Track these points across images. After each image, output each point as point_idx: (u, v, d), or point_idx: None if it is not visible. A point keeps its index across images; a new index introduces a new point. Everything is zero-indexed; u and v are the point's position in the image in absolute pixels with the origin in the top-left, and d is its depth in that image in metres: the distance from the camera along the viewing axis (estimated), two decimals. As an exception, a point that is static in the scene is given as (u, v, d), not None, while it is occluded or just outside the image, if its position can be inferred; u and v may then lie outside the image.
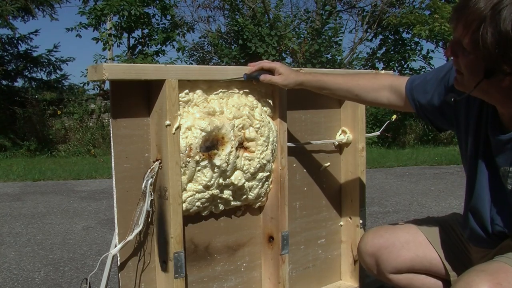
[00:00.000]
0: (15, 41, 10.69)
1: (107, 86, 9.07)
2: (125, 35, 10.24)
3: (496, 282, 1.12)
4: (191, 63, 12.46)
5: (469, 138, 1.39)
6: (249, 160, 1.61)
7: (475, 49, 1.15)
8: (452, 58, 1.26)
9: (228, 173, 1.56)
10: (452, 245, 1.58)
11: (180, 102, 1.44)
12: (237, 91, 1.60)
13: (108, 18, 9.97)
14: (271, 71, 1.60)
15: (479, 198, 1.37)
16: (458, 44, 1.20)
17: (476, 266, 1.23)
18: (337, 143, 1.99)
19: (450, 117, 1.45)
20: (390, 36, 11.94)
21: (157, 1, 10.14)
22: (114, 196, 1.38)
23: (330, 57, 11.07)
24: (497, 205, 1.34)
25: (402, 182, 5.52)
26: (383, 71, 1.99)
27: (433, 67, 12.00)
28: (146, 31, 10.37)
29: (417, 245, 1.59)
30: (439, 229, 1.61)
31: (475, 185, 1.38)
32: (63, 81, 11.56)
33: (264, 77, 1.59)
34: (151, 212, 1.43)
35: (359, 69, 11.11)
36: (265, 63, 1.61)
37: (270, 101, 1.68)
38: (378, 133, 2.34)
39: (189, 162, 1.46)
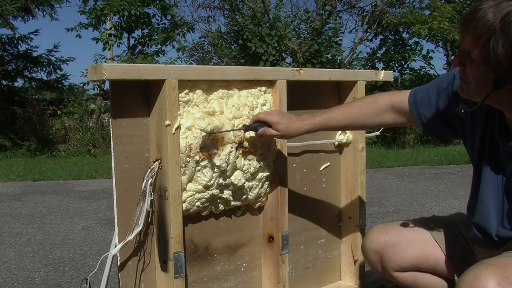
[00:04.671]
0: (15, 41, 10.71)
1: (107, 86, 9.09)
2: (125, 35, 10.27)
3: (504, 275, 1.12)
4: (191, 63, 12.48)
5: (475, 144, 1.38)
6: (249, 160, 1.61)
7: (485, 61, 1.14)
8: (458, 67, 1.25)
9: (228, 173, 1.56)
10: (457, 245, 1.58)
11: (180, 102, 1.44)
12: (237, 91, 1.60)
13: (108, 18, 9.98)
14: (267, 123, 1.55)
15: (484, 205, 1.36)
16: (466, 55, 1.19)
17: (485, 260, 1.23)
18: (337, 143, 1.99)
19: (455, 125, 1.44)
20: (390, 36, 11.94)
21: (157, 1, 10.15)
22: (114, 196, 1.38)
23: (330, 57, 11.07)
24: (505, 210, 1.33)
25: (402, 182, 5.52)
26: (382, 71, 1.99)
27: (433, 67, 12.01)
28: (146, 31, 10.39)
29: (423, 244, 1.59)
30: (444, 228, 1.61)
31: (479, 191, 1.38)
32: (63, 81, 11.59)
33: (264, 132, 1.55)
34: (151, 212, 1.43)
35: (359, 69, 11.10)
36: (261, 116, 1.56)
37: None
38: (378, 133, 2.33)
39: (189, 162, 1.46)
